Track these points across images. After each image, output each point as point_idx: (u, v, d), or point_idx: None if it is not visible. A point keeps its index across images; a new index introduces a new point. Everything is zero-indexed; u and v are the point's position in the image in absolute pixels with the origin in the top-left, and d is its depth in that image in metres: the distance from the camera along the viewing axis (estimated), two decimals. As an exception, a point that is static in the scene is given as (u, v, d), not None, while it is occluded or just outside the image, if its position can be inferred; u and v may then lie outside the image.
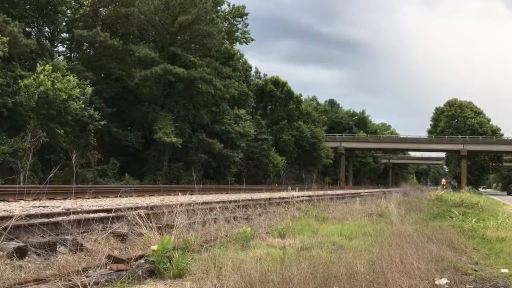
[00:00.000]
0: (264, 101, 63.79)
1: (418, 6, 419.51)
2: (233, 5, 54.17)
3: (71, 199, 16.23)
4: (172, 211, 8.41)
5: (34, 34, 35.20)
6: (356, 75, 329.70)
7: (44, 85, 25.00)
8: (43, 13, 34.85)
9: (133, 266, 5.44)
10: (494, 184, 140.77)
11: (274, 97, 63.81)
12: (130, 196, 18.86)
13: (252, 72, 64.93)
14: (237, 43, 55.93)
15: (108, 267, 5.40)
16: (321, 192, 25.76)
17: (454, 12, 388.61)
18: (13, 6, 31.96)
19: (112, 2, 37.52)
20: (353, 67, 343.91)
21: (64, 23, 37.92)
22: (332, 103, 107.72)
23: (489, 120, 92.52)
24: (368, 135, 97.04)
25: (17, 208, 11.43)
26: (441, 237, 8.28)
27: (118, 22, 38.96)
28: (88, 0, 37.73)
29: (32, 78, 25.79)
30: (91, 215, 8.86)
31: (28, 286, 4.57)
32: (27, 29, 33.80)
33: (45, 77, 25.31)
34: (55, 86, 25.48)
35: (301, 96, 71.35)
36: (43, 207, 12.41)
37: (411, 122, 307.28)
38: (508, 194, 73.16)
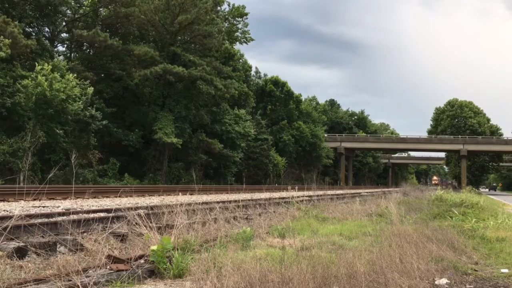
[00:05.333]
0: (264, 101, 63.79)
1: (418, 6, 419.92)
2: (233, 5, 54.28)
3: (71, 199, 16.22)
4: (172, 211, 8.40)
5: (34, 34, 35.20)
6: (356, 75, 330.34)
7: (41, 86, 25.00)
8: (43, 13, 34.87)
9: (133, 266, 5.44)
10: (494, 184, 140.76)
11: (274, 97, 63.81)
12: (130, 196, 18.85)
13: (252, 72, 64.96)
14: (237, 43, 56.01)
15: (108, 267, 5.40)
16: (321, 192, 25.74)
17: (454, 12, 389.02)
18: (13, 6, 31.98)
19: (112, 2, 37.53)
20: (353, 67, 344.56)
21: (64, 23, 37.94)
22: (332, 103, 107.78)
23: (488, 120, 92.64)
24: (368, 135, 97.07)
25: (17, 208, 11.43)
26: (441, 237, 8.28)
27: (118, 22, 38.98)
28: (88, 0, 37.74)
29: (30, 78, 25.80)
30: (91, 215, 8.85)
31: (28, 286, 4.57)
32: (27, 29, 33.81)
33: (43, 77, 25.31)
34: (53, 86, 25.49)
35: (301, 96, 71.41)
36: (43, 207, 12.41)
37: (411, 122, 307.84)
38: (490, 190, 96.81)
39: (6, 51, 24.47)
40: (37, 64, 26.58)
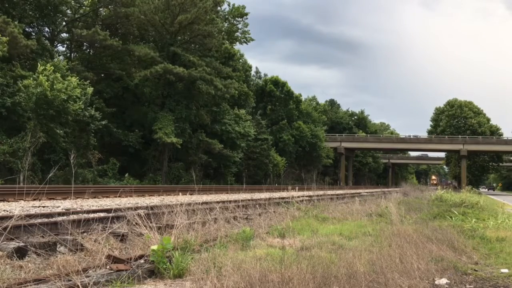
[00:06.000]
0: (264, 101, 63.80)
1: (418, 6, 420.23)
2: (233, 5, 54.27)
3: (71, 199, 16.21)
4: (172, 211, 8.40)
5: (34, 34, 35.21)
6: (356, 75, 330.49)
7: (42, 86, 25.01)
8: (43, 13, 34.87)
9: (133, 266, 5.44)
10: (494, 184, 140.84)
11: (274, 97, 63.83)
12: (130, 196, 18.84)
13: (252, 72, 64.97)
14: (237, 43, 55.99)
15: (108, 267, 5.40)
16: (321, 192, 25.74)
17: (454, 12, 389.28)
18: (13, 6, 31.97)
19: (112, 2, 37.53)
20: (353, 67, 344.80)
21: (64, 23, 37.95)
22: (332, 103, 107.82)
23: (488, 120, 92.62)
24: (368, 135, 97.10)
25: (17, 208, 11.43)
26: (441, 237, 8.28)
27: (118, 22, 38.97)
28: (88, 0, 37.74)
29: (32, 78, 25.81)
30: (91, 215, 8.85)
31: (28, 286, 4.57)
32: (27, 29, 33.82)
33: (44, 77, 25.31)
34: (54, 86, 25.49)
35: (301, 96, 71.43)
36: (43, 207, 12.40)
37: (411, 122, 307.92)
38: (488, 190, 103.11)
39: (2, 50, 24.43)
40: (39, 65, 26.59)
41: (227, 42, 50.22)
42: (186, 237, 6.71)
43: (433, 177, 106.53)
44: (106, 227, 7.65)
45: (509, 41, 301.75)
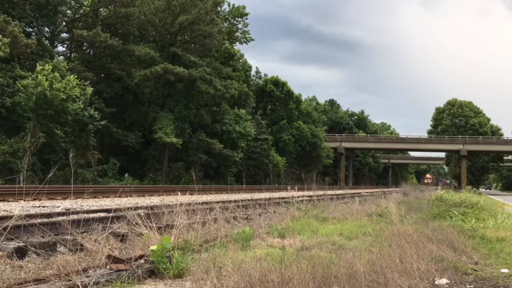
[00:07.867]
0: (264, 101, 63.81)
1: (418, 6, 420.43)
2: (233, 5, 54.29)
3: (71, 199, 16.21)
4: (172, 211, 8.39)
5: (34, 34, 35.21)
6: (356, 75, 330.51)
7: (42, 85, 25.01)
8: (43, 13, 34.88)
9: (133, 266, 5.44)
10: (494, 184, 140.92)
11: (274, 97, 63.85)
12: (130, 196, 18.85)
13: (252, 72, 65.03)
14: (237, 43, 56.02)
15: (108, 267, 5.39)
16: (321, 192, 25.71)
17: (454, 12, 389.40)
18: (13, 6, 31.98)
19: (112, 2, 37.53)
20: (353, 67, 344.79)
21: (64, 23, 37.96)
22: (332, 103, 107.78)
23: (489, 120, 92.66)
24: (368, 135, 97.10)
25: (17, 208, 11.43)
26: (441, 237, 8.27)
27: (118, 22, 38.98)
28: (88, 0, 37.76)
29: (30, 78, 25.81)
30: (91, 215, 8.85)
31: (28, 286, 4.57)
32: (27, 29, 33.82)
33: (43, 77, 25.31)
34: (53, 86, 25.50)
35: (301, 96, 71.46)
36: (43, 207, 12.41)
37: (411, 122, 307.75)
38: (486, 189, 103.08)
39: (4, 50, 24.45)
40: (38, 65, 26.59)
41: (227, 42, 50.26)
42: (186, 237, 6.71)
43: (428, 176, 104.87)
44: (106, 227, 7.65)
45: (509, 41, 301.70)
